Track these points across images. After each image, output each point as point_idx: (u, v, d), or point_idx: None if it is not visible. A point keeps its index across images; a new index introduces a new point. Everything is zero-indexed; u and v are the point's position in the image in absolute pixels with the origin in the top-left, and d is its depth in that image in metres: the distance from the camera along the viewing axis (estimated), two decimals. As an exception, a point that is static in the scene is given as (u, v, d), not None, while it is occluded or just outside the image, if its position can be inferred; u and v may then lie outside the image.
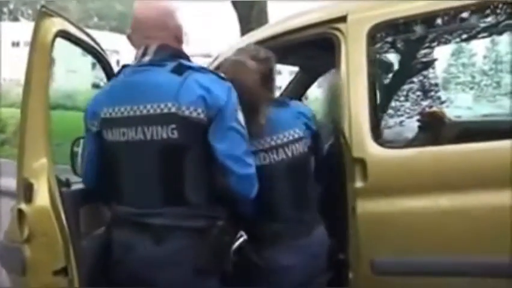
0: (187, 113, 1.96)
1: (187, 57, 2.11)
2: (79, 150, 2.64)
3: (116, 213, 2.13)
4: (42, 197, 2.05)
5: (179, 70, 2.01)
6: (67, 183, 2.28)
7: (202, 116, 1.97)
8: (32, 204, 2.06)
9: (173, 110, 1.96)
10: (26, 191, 2.06)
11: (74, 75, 29.98)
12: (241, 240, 2.15)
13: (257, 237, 2.21)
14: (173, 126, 1.96)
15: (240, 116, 2.06)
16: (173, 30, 2.12)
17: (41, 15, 2.11)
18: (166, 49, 2.08)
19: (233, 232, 2.10)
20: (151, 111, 1.98)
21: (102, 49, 2.76)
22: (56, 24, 2.17)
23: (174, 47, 2.11)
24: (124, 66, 2.17)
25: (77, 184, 2.38)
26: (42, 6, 2.11)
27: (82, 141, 2.68)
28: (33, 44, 2.09)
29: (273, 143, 2.31)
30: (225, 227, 2.03)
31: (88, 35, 2.56)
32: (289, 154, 2.32)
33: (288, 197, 2.33)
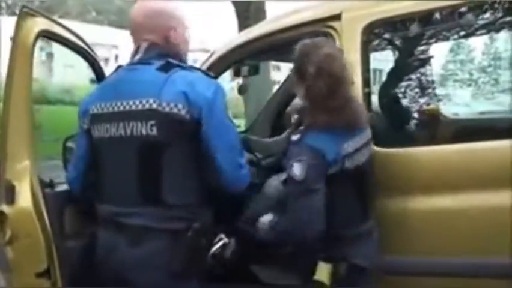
0: (167, 109, 1.94)
1: (178, 57, 2.12)
2: (73, 146, 2.60)
3: (98, 212, 2.10)
4: (24, 198, 2.04)
5: (166, 68, 2.02)
6: (51, 184, 2.25)
7: (183, 112, 1.94)
8: (14, 206, 2.05)
9: (154, 106, 1.94)
10: (8, 193, 2.05)
11: (72, 70, 29.94)
12: (220, 243, 2.17)
13: (348, 238, 2.17)
14: (153, 122, 1.94)
15: (228, 113, 2.07)
16: (163, 31, 2.11)
17: (23, 15, 2.07)
18: (155, 48, 2.09)
19: (211, 235, 2.10)
20: (133, 107, 1.97)
21: (90, 47, 2.71)
22: (38, 24, 2.14)
23: (163, 46, 2.10)
24: (119, 67, 2.19)
25: (62, 184, 2.34)
26: (24, 6, 2.05)
27: (73, 139, 2.65)
28: (15, 44, 2.06)
29: (359, 144, 2.23)
30: (201, 229, 1.99)
31: (74, 33, 2.50)
32: (368, 153, 2.27)
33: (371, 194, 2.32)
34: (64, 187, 2.32)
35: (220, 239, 2.18)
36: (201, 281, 2.05)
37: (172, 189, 1.97)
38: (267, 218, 2.30)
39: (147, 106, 1.95)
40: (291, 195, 2.11)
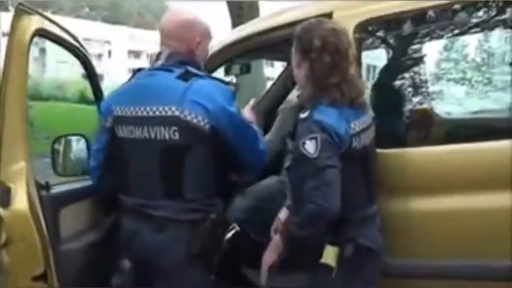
0: (188, 118, 2.12)
1: (197, 66, 2.29)
2: (60, 148, 2.63)
3: (123, 203, 2.30)
4: (20, 201, 2.01)
5: (186, 76, 2.18)
6: (47, 186, 2.22)
7: (202, 123, 2.13)
8: (9, 208, 2.02)
9: (176, 113, 2.12)
10: (4, 195, 2.02)
11: (64, 65, 29.80)
12: (233, 231, 2.32)
13: (355, 220, 2.15)
14: (175, 128, 2.13)
15: (245, 115, 2.31)
16: (189, 42, 2.30)
17: (19, 13, 2.05)
18: (176, 56, 2.27)
19: (226, 224, 2.30)
20: (157, 113, 2.15)
21: (83, 46, 2.71)
22: (34, 22, 2.12)
23: (184, 55, 2.28)
24: (139, 70, 2.38)
25: (58, 186, 2.34)
26: (20, 4, 2.04)
27: (63, 139, 2.65)
28: (10, 43, 2.03)
29: (365, 124, 2.21)
30: (217, 220, 2.20)
31: (68, 32, 2.51)
32: (372, 135, 2.26)
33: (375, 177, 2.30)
34: (59, 189, 2.32)
35: (233, 228, 2.32)
36: (215, 265, 2.23)
37: (191, 186, 2.17)
38: (283, 214, 2.33)
39: (169, 113, 2.13)
40: (307, 175, 2.06)
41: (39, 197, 2.08)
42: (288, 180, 2.41)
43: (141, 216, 2.22)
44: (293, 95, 4.34)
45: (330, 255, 2.12)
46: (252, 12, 8.99)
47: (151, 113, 2.17)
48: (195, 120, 2.12)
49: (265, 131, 4.02)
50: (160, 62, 2.29)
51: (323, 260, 2.12)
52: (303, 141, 2.07)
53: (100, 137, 2.38)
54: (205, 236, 2.17)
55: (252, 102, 2.51)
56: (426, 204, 2.41)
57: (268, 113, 4.24)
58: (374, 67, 3.55)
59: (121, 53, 56.01)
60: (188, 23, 2.32)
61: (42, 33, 2.18)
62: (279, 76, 4.40)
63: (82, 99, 19.43)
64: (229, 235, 2.29)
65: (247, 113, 2.43)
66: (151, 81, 2.24)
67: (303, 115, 2.13)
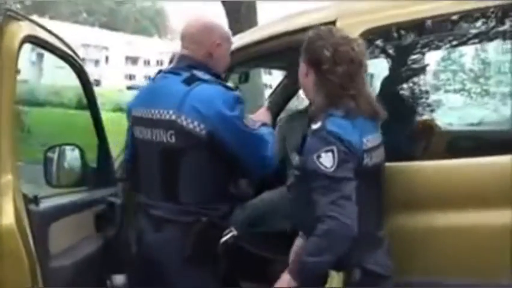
0: (184, 122, 2.16)
1: (209, 70, 2.30)
2: (54, 158, 2.51)
3: (136, 199, 2.44)
4: (7, 215, 1.90)
5: (190, 81, 2.22)
6: (35, 200, 2.10)
7: (198, 129, 2.15)
8: None
9: (173, 117, 2.18)
10: None
11: (62, 71, 29.77)
12: (229, 235, 2.39)
13: (363, 244, 1.96)
14: (172, 132, 2.19)
15: (250, 122, 2.27)
16: (208, 46, 2.33)
17: (7, 19, 1.95)
18: (186, 60, 2.33)
19: (221, 227, 2.30)
20: (158, 116, 2.23)
21: (76, 54, 2.63)
22: (24, 28, 2.02)
23: (194, 59, 2.31)
24: (159, 72, 2.43)
25: (48, 199, 2.23)
26: (8, 10, 1.95)
27: (57, 149, 2.54)
28: (-1, 51, 1.93)
29: (376, 142, 2.09)
30: (208, 223, 2.20)
31: (59, 38, 2.41)
32: (382, 155, 2.13)
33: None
34: (49, 203, 2.21)
35: (230, 231, 2.36)
36: (212, 266, 2.27)
37: (185, 189, 2.21)
38: (299, 242, 2.22)
39: (167, 117, 2.20)
40: (320, 191, 1.90)
41: (27, 211, 1.97)
42: (293, 200, 2.25)
43: (146, 215, 2.32)
44: (293, 105, 4.32)
45: (334, 281, 1.98)
46: (250, 14, 8.84)
47: (154, 116, 2.25)
48: (190, 125, 2.15)
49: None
50: (171, 65, 2.39)
51: (327, 286, 1.98)
52: (317, 154, 1.92)
53: (128, 134, 2.50)
54: (195, 238, 2.19)
55: (266, 103, 2.46)
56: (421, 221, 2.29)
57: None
58: (371, 75, 3.48)
59: (118, 58, 56.19)
60: (208, 27, 2.37)
61: (32, 40, 2.09)
62: (278, 85, 4.33)
63: (79, 105, 19.40)
64: (225, 238, 2.32)
65: (261, 116, 2.49)
66: (161, 84, 2.33)
67: (314, 126, 1.99)
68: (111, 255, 2.56)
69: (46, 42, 2.25)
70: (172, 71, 2.34)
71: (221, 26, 2.44)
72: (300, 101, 4.99)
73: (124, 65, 57.08)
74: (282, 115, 4.21)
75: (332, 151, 1.90)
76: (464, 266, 2.23)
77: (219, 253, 2.28)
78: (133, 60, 58.77)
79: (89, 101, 2.77)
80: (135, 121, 2.39)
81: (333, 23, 2.54)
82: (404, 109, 2.85)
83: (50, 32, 2.30)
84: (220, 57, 2.37)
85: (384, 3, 2.65)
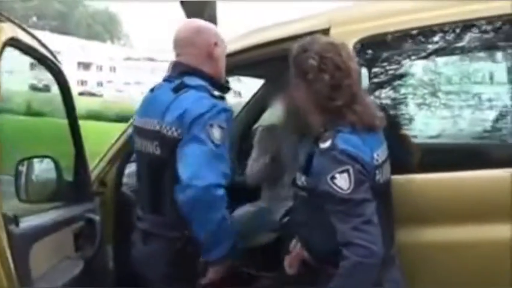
0: (165, 131, 2.11)
1: (202, 75, 2.22)
2: (23, 170, 2.27)
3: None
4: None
5: (177, 88, 2.16)
6: (15, 221, 1.91)
7: (175, 134, 2.09)
8: None
9: (157, 127, 2.15)
10: None
11: (11, 76, 28.87)
12: None
13: (385, 262, 1.83)
14: (157, 143, 2.15)
15: (217, 134, 2.06)
16: (206, 46, 2.26)
17: None
18: (178, 66, 2.28)
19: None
20: (147, 126, 2.22)
21: (56, 58, 2.46)
22: (5, 31, 1.86)
23: (186, 65, 2.24)
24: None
25: (28, 219, 2.04)
26: None
27: (26, 162, 2.32)
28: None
29: (385, 155, 1.96)
30: (190, 238, 2.10)
31: (40, 42, 2.24)
32: (389, 169, 1.99)
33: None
34: (30, 223, 2.03)
35: None
36: (192, 285, 2.20)
37: (169, 202, 2.11)
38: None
39: (152, 127, 2.17)
40: (338, 215, 1.77)
41: (7, 233, 1.79)
42: (301, 224, 2.04)
43: (136, 227, 2.34)
44: (270, 114, 4.20)
45: None
46: (211, 16, 8.60)
47: (144, 126, 2.23)
48: (174, 134, 2.10)
49: (240, 150, 3.86)
50: (167, 74, 2.31)
51: None
52: (331, 175, 1.77)
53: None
54: (176, 255, 2.15)
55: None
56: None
57: (243, 132, 4.12)
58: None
59: (71, 64, 55.16)
60: (202, 28, 2.33)
61: (14, 44, 1.92)
62: (255, 94, 4.23)
63: (28, 112, 18.75)
64: None
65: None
66: (155, 94, 2.30)
67: (323, 145, 1.83)
68: (91, 277, 2.39)
69: (27, 45, 2.09)
70: (167, 79, 2.29)
71: (213, 26, 2.40)
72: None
73: (76, 70, 56.05)
74: (258, 125, 4.13)
75: (348, 171, 1.76)
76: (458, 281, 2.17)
77: (199, 271, 2.18)
78: (85, 66, 57.76)
79: (67, 107, 2.60)
80: (133, 131, 2.39)
81: (327, 30, 2.44)
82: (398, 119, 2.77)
83: (32, 35, 2.15)
84: (220, 57, 2.30)
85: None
